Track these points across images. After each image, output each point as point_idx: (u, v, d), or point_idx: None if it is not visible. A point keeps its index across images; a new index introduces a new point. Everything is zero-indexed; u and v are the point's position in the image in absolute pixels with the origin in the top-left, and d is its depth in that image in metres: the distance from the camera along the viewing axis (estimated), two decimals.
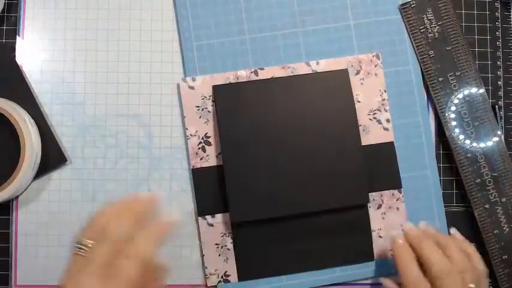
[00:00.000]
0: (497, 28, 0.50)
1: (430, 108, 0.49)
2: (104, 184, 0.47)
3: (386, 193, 0.48)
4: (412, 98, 0.49)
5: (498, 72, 0.50)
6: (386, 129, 0.48)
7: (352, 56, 0.48)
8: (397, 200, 0.48)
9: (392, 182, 0.48)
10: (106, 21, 0.48)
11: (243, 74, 0.47)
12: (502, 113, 0.50)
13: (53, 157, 0.46)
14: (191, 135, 0.47)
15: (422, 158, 0.48)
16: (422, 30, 0.48)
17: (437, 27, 0.48)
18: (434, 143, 0.49)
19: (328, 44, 0.48)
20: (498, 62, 0.50)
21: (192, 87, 0.47)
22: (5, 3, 0.47)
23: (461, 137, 0.48)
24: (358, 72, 0.48)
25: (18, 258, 0.47)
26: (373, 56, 0.48)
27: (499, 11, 0.50)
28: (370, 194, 0.47)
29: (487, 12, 0.50)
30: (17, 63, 0.47)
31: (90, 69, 0.48)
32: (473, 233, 0.49)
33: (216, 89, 0.46)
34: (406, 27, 0.49)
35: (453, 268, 0.40)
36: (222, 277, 0.47)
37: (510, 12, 0.50)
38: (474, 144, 0.48)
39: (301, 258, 0.47)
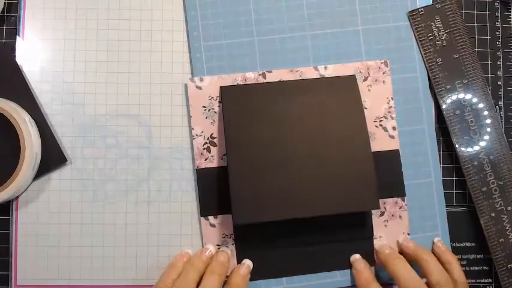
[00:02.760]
0: (497, 28, 0.50)
1: (436, 116, 0.49)
2: (104, 184, 0.47)
3: (390, 201, 0.47)
4: (418, 105, 0.48)
5: (498, 72, 0.50)
6: (392, 136, 0.48)
7: (360, 62, 0.48)
8: (400, 208, 0.47)
9: (396, 190, 0.47)
10: (106, 21, 0.48)
11: (251, 76, 0.47)
12: (502, 113, 0.50)
13: (53, 157, 0.46)
14: (197, 135, 0.47)
15: (427, 166, 0.48)
16: (430, 38, 0.48)
17: (445, 34, 0.48)
18: (439, 152, 0.49)
19: (336, 48, 0.48)
20: (498, 62, 0.50)
21: (199, 87, 0.47)
22: (5, 3, 0.47)
23: (468, 144, 0.48)
24: (365, 79, 0.48)
25: (18, 258, 0.47)
26: (381, 63, 0.48)
27: (499, 11, 0.50)
28: None
29: (487, 12, 0.50)
30: (17, 63, 0.47)
31: (90, 69, 0.48)
32: (473, 233, 0.49)
33: (223, 90, 0.46)
34: (414, 34, 0.49)
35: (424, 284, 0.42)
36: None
37: (510, 12, 0.51)
38: (480, 152, 0.48)
39: (303, 260, 0.47)
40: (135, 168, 0.47)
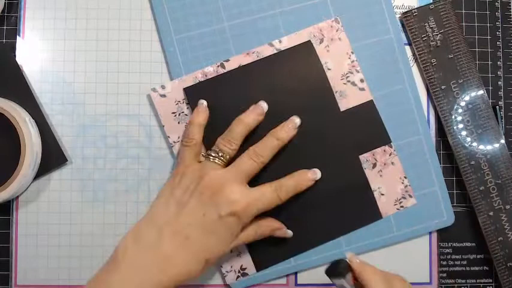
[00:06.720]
0: (497, 28, 0.50)
1: (433, 119, 0.49)
2: (104, 184, 0.47)
3: (378, 151, 0.48)
4: (411, 116, 0.48)
5: (498, 72, 0.50)
6: (362, 89, 0.48)
7: (311, 26, 0.48)
8: (390, 155, 0.48)
9: (381, 138, 0.47)
10: (106, 21, 0.48)
11: (210, 70, 0.47)
12: (502, 113, 0.50)
13: (53, 157, 0.46)
14: (174, 142, 0.47)
15: (429, 175, 0.48)
16: (424, 39, 0.48)
17: (439, 35, 0.48)
18: (436, 154, 0.49)
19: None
20: (498, 62, 0.50)
21: (163, 95, 0.47)
22: (5, 3, 0.47)
23: (465, 144, 0.48)
24: (321, 41, 0.48)
25: (18, 259, 0.47)
26: (332, 22, 0.48)
27: (499, 11, 0.50)
28: (362, 155, 0.47)
29: (487, 12, 0.50)
30: (17, 63, 0.47)
31: (90, 69, 0.48)
32: (474, 233, 0.49)
33: (187, 91, 0.46)
34: (408, 35, 0.49)
35: None
36: (239, 272, 0.47)
37: (510, 12, 0.50)
38: (477, 151, 0.48)
39: (312, 233, 0.47)
40: (135, 168, 0.47)
